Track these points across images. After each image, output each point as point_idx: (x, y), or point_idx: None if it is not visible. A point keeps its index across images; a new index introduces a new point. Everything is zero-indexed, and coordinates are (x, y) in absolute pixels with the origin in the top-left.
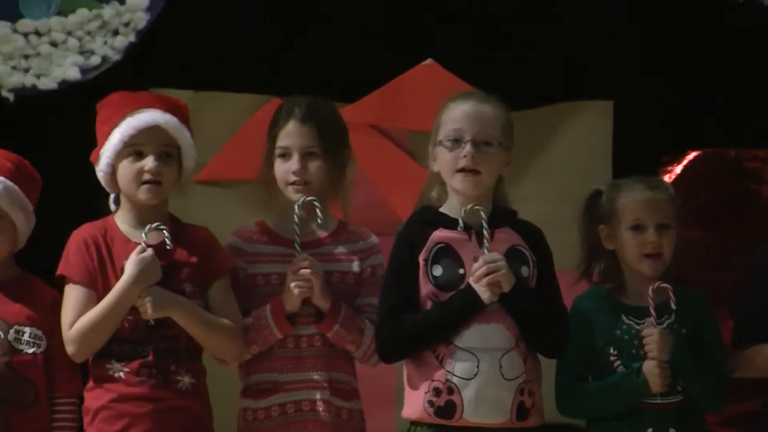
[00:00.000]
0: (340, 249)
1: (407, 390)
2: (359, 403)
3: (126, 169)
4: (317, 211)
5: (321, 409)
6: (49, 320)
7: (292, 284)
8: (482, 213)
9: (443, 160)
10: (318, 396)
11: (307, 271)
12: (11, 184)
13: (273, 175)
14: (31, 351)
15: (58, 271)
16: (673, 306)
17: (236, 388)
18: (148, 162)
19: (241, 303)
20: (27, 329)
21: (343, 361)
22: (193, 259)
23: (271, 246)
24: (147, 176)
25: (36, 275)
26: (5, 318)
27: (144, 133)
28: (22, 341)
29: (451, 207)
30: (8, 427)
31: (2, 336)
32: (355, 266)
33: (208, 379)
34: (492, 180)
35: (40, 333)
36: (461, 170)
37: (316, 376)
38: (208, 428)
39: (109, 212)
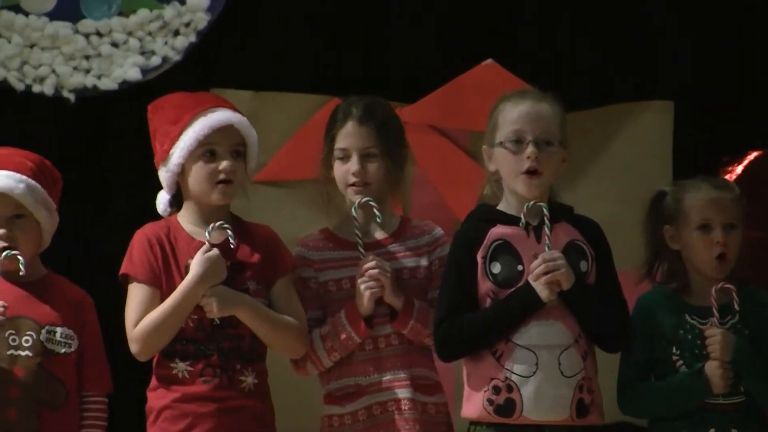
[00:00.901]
0: (407, 245)
1: (466, 389)
2: (443, 397)
3: (199, 169)
4: (375, 211)
5: (407, 408)
6: (78, 319)
7: (362, 286)
8: (545, 210)
9: (505, 162)
10: (402, 395)
11: (375, 271)
12: (34, 182)
13: (332, 177)
14: (62, 351)
15: (122, 271)
16: (737, 307)
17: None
18: (224, 162)
19: (316, 310)
20: (58, 329)
21: (422, 356)
22: (256, 258)
23: (338, 251)
24: (222, 176)
25: (93, 275)
26: (36, 318)
27: (218, 133)
28: (54, 341)
29: (507, 204)
30: (40, 427)
31: (34, 336)
32: (424, 261)
33: (280, 382)
34: (552, 179)
35: (71, 332)
36: (525, 172)
37: (398, 375)
38: (271, 429)
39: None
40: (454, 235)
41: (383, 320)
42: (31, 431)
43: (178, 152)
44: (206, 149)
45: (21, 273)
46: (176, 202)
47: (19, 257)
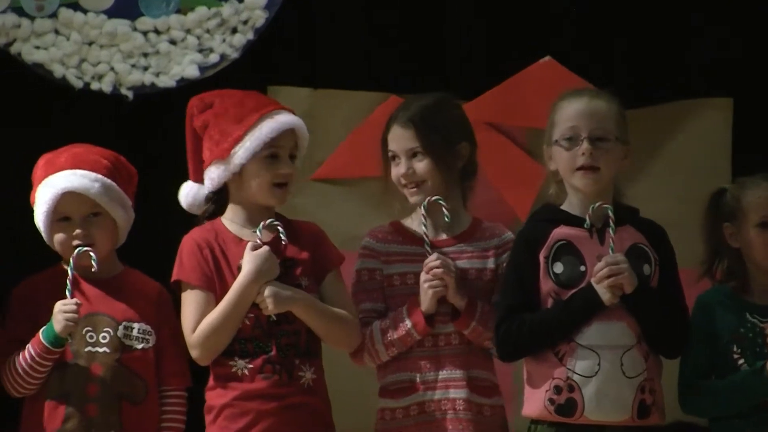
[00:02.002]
0: (475, 246)
1: (527, 388)
2: (501, 399)
3: (262, 171)
4: (444, 210)
5: (461, 408)
6: (156, 315)
7: (426, 285)
8: (610, 212)
9: (561, 159)
10: (457, 395)
11: (440, 270)
12: (109, 181)
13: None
14: (140, 346)
15: (173, 277)
16: None
17: (363, 387)
18: (285, 165)
19: (378, 302)
20: (135, 325)
21: (481, 358)
22: (305, 254)
23: (406, 245)
24: (281, 179)
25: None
26: (113, 315)
27: (282, 136)
28: (132, 337)
29: (571, 204)
30: (120, 422)
31: (112, 333)
32: (491, 263)
33: (335, 378)
34: (611, 175)
35: (148, 328)
36: (580, 168)
37: (454, 375)
38: (329, 424)
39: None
40: (516, 234)
41: (445, 319)
42: (111, 427)
43: (241, 153)
44: (271, 152)
45: (93, 269)
46: (215, 201)
47: (91, 253)
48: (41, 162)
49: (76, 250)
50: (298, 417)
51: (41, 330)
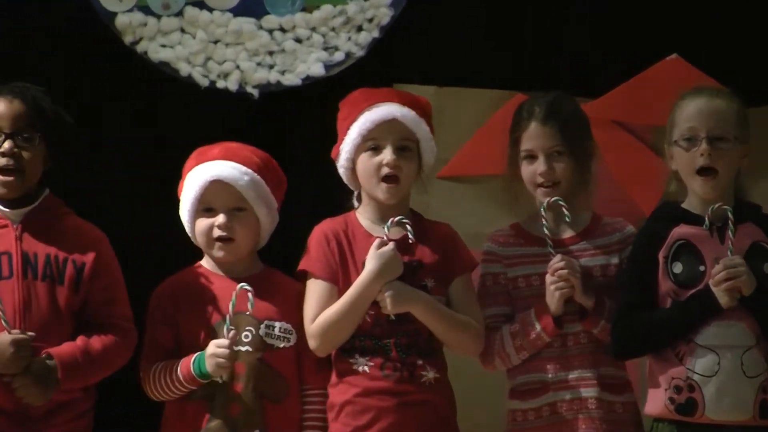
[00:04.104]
0: (597, 243)
1: (649, 387)
2: (632, 396)
3: (364, 163)
4: (564, 210)
5: (592, 407)
6: (296, 313)
7: (552, 287)
8: (730, 213)
9: (680, 160)
10: (588, 394)
11: (565, 271)
12: (258, 177)
13: (519, 175)
14: (282, 345)
15: (300, 267)
16: None
17: (489, 386)
18: (386, 155)
19: (504, 306)
20: (277, 324)
21: (610, 356)
22: (436, 256)
23: (528, 247)
24: (385, 170)
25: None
26: (254, 314)
27: (381, 127)
28: (273, 336)
29: (691, 203)
30: (263, 420)
31: (254, 331)
32: (614, 258)
33: (461, 377)
34: (729, 176)
35: (289, 327)
36: (699, 172)
37: (584, 374)
38: (453, 424)
39: (350, 208)
40: (637, 232)
41: (573, 318)
42: (255, 425)
43: (345, 147)
44: (371, 144)
45: (247, 312)
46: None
47: (250, 294)
48: (193, 154)
49: (239, 286)
50: (419, 415)
51: (193, 359)
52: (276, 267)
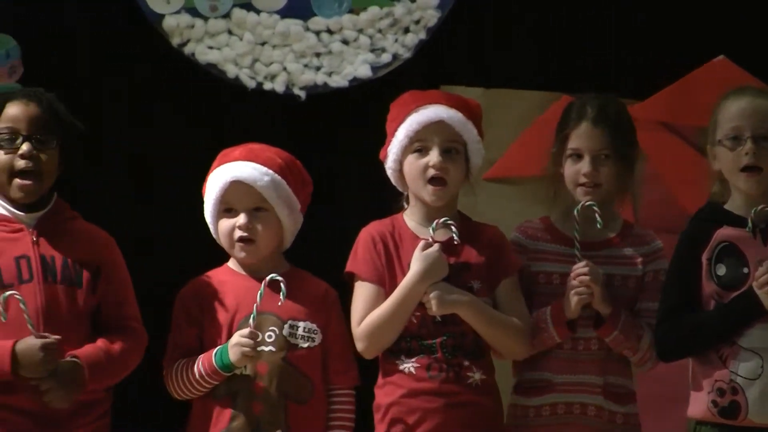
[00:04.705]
0: (624, 252)
1: (692, 390)
2: (635, 407)
3: (411, 165)
4: (596, 216)
5: (592, 414)
6: (322, 313)
7: (572, 291)
8: None
9: (724, 159)
10: (590, 400)
11: (587, 278)
12: (279, 178)
13: (561, 174)
14: (305, 345)
15: (347, 269)
16: None
17: None
18: (433, 157)
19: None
20: (301, 324)
21: (619, 364)
22: (482, 258)
23: (554, 244)
24: (431, 172)
25: (324, 274)
26: (278, 314)
27: (428, 128)
28: (297, 336)
29: (734, 204)
30: (286, 421)
31: (277, 331)
32: (638, 270)
33: (508, 378)
34: None
35: (314, 327)
36: (744, 169)
37: (590, 380)
38: (499, 427)
39: (398, 209)
40: (680, 235)
41: (587, 323)
42: (278, 426)
43: (393, 148)
44: (418, 145)
45: (279, 303)
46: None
47: (282, 285)
48: (219, 155)
49: (269, 277)
50: (466, 416)
51: (215, 353)
52: (326, 269)
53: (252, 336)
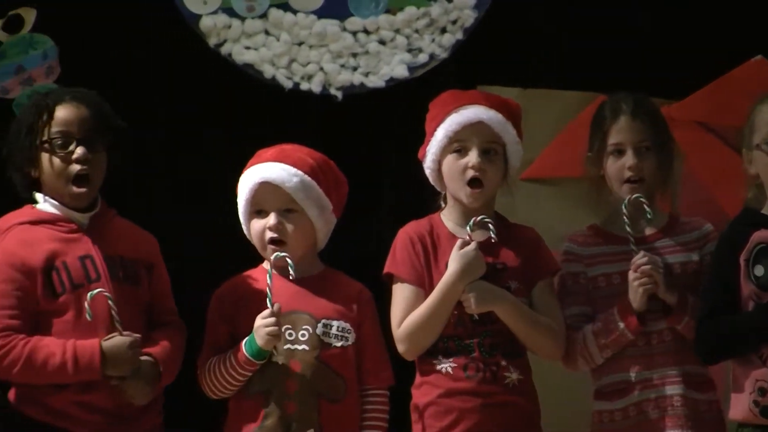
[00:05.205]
0: (677, 240)
1: (732, 392)
2: (715, 395)
3: (450, 165)
4: (645, 207)
5: (678, 404)
6: (356, 313)
7: (636, 283)
8: None
9: (762, 165)
10: (673, 391)
11: (648, 267)
12: (309, 179)
13: (601, 174)
14: (339, 344)
15: (385, 270)
16: None
17: (573, 388)
18: (472, 158)
19: (584, 306)
20: (334, 323)
21: (694, 353)
22: (519, 258)
23: (607, 246)
24: (470, 173)
25: (362, 275)
26: (312, 312)
27: (467, 129)
28: (330, 335)
29: None
30: (319, 420)
31: (311, 330)
32: (695, 256)
33: (545, 379)
34: None
35: (347, 326)
36: None
37: (668, 372)
38: (536, 426)
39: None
40: (718, 237)
41: (656, 316)
42: (310, 425)
43: (431, 148)
44: (457, 146)
45: (291, 277)
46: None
47: (288, 260)
48: (253, 156)
49: (274, 255)
50: (503, 416)
51: (244, 342)
52: (365, 269)
53: (272, 315)
